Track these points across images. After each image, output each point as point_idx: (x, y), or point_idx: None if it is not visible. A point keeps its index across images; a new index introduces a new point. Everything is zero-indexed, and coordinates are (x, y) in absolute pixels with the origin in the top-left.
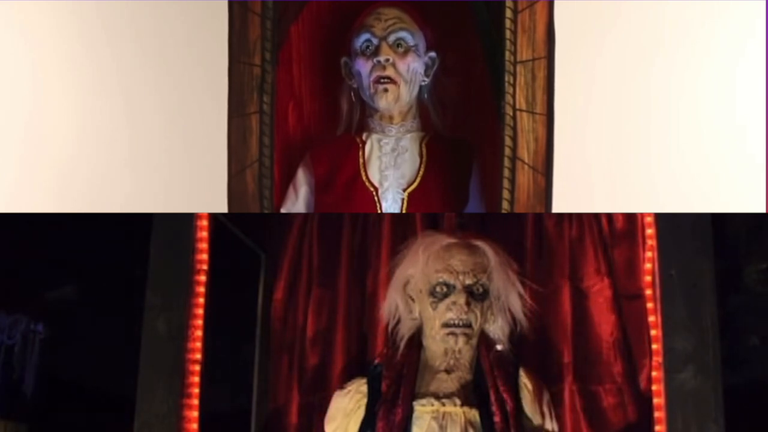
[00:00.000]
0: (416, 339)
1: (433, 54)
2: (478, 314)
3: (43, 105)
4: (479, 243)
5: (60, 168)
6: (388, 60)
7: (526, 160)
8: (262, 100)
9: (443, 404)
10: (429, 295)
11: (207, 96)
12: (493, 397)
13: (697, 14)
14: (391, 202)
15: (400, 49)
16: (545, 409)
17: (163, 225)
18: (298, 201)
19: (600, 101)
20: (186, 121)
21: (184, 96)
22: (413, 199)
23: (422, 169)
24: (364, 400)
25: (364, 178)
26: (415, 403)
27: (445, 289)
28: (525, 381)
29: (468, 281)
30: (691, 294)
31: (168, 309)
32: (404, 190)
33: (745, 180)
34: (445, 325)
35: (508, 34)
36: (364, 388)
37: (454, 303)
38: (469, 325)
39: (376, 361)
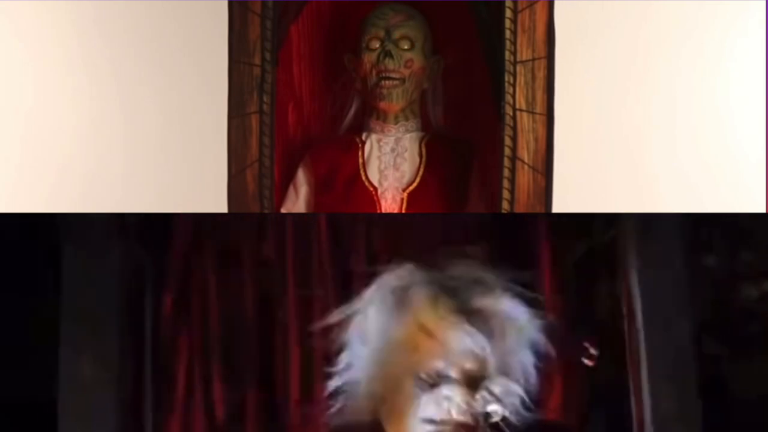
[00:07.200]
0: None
1: (438, 57)
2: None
3: (40, 104)
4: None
5: (57, 168)
6: (393, 57)
7: (526, 160)
8: (262, 100)
9: None
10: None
11: (207, 96)
12: None
13: (697, 14)
14: (390, 202)
15: (406, 47)
16: None
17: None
18: (298, 201)
19: (600, 101)
20: (186, 121)
21: (184, 96)
22: (413, 199)
23: (422, 169)
24: None
25: (363, 178)
26: None
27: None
28: None
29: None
30: None
31: None
32: (404, 190)
33: (744, 180)
34: (429, 421)
35: (508, 34)
36: None
37: (446, 397)
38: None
39: None
